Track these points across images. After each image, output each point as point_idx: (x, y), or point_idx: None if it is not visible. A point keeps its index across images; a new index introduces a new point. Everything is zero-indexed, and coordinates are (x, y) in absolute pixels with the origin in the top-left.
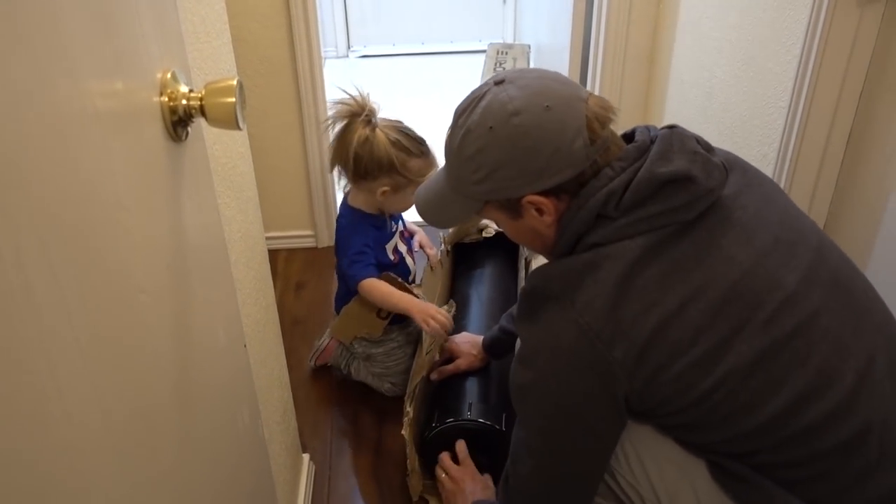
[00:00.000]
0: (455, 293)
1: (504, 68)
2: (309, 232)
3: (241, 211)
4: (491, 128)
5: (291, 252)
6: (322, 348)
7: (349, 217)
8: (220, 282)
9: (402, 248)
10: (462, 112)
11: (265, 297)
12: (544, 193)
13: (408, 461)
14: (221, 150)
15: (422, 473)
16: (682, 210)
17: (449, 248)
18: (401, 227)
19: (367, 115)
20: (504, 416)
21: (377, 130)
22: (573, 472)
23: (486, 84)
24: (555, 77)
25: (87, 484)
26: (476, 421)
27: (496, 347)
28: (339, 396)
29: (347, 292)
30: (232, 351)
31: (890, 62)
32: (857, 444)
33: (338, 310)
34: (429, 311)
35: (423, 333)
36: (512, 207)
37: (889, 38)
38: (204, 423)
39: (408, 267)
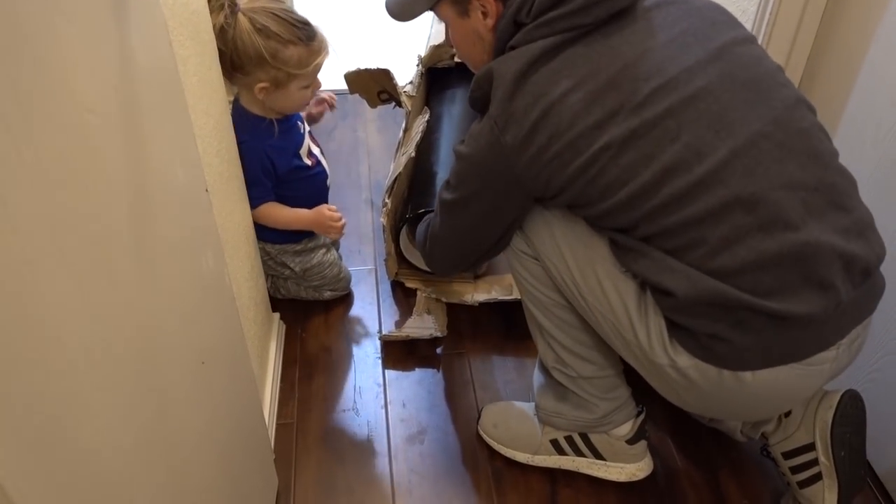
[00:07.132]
0: (429, 112)
1: None
2: None
3: (198, 53)
4: None
5: None
6: None
7: (246, 127)
8: (175, 117)
9: (316, 149)
10: None
11: (228, 150)
12: None
13: (385, 246)
14: None
15: (397, 259)
16: (580, 13)
17: (423, 70)
18: (307, 127)
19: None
20: None
21: (239, 16)
22: (470, 228)
23: None
24: None
25: (43, 310)
26: None
27: None
28: None
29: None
30: (192, 190)
31: None
32: (724, 213)
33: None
34: (323, 221)
35: (402, 131)
36: (461, 3)
37: None
38: (164, 258)
39: (325, 169)
